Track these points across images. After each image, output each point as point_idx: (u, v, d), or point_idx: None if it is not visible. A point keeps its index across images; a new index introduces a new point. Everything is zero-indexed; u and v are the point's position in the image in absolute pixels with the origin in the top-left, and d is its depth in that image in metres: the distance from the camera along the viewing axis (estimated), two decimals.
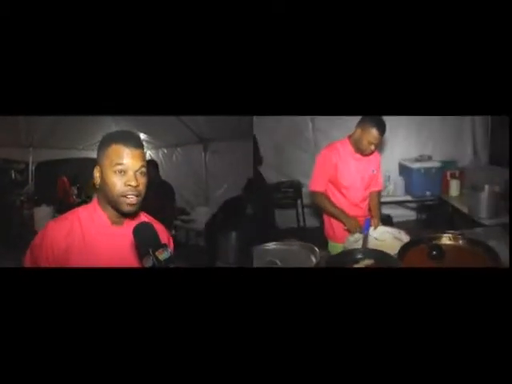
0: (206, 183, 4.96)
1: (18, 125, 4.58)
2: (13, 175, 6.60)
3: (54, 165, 5.70)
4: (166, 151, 5.67)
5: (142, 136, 5.51)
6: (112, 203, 1.04)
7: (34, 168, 5.65)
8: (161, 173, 3.82)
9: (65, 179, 5.72)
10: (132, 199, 1.02)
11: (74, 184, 5.79)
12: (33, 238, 1.08)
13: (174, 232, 2.68)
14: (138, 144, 1.05)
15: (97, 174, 1.06)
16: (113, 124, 4.59)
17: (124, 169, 1.01)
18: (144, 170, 1.04)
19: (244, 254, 3.07)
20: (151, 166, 3.68)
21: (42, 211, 4.88)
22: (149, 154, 5.94)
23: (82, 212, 1.09)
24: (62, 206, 4.78)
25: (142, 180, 1.04)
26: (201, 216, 4.34)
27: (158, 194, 3.27)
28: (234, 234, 3.22)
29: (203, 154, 4.97)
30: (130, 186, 1.01)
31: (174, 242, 1.20)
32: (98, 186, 1.07)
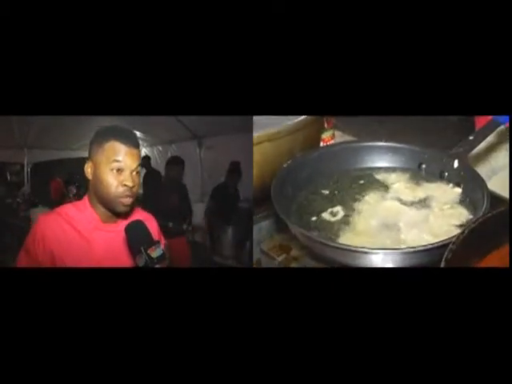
0: (202, 179, 4.98)
1: (12, 125, 4.55)
2: (8, 177, 6.58)
3: (50, 165, 5.69)
4: (160, 148, 5.67)
5: (137, 134, 5.51)
6: (105, 203, 1.01)
7: (29, 169, 5.64)
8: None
9: (58, 180, 5.69)
10: (127, 200, 0.99)
11: (72, 183, 5.77)
12: None
13: (171, 225, 2.69)
14: (136, 143, 1.02)
15: (88, 169, 1.01)
16: (107, 123, 4.56)
17: (121, 167, 0.97)
18: (139, 170, 1.02)
19: (240, 248, 3.09)
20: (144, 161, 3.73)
21: (39, 212, 4.87)
22: (144, 151, 5.96)
23: (72, 209, 1.05)
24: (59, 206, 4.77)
25: (137, 181, 1.01)
26: (197, 212, 4.35)
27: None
28: (230, 229, 3.24)
29: (198, 150, 4.99)
30: (126, 186, 0.97)
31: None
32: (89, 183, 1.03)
